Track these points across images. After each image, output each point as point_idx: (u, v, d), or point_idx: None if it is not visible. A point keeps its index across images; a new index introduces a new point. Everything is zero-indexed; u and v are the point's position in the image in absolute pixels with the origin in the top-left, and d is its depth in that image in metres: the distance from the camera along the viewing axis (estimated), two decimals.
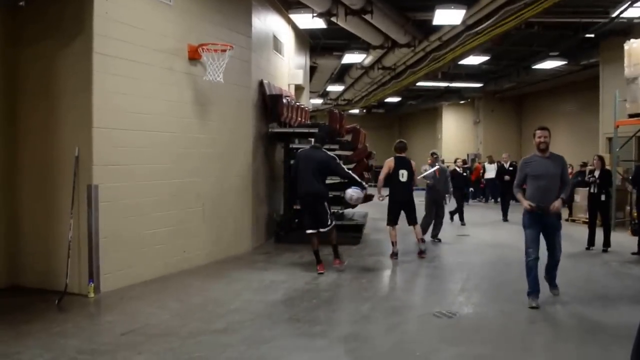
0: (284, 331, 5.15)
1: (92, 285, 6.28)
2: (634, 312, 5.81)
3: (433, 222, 10.49)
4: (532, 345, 4.90)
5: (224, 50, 7.63)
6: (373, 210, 12.73)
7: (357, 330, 5.29)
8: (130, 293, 6.45)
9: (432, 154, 11.10)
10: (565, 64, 17.15)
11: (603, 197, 9.60)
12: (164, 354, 4.52)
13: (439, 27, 12.80)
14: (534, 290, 5.96)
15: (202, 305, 6.05)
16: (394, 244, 8.70)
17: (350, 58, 16.62)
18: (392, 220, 8.65)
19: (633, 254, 9.14)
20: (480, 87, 23.08)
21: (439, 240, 10.59)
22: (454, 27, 12.48)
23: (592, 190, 9.71)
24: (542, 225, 6.03)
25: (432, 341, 4.96)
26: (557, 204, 5.98)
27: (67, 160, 6.36)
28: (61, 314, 5.65)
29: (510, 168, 14.57)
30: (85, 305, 6.03)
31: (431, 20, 11.95)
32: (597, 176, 9.65)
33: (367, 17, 11.34)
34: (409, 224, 8.86)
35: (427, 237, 10.07)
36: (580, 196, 13.93)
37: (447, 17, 11.50)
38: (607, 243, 9.56)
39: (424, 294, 6.60)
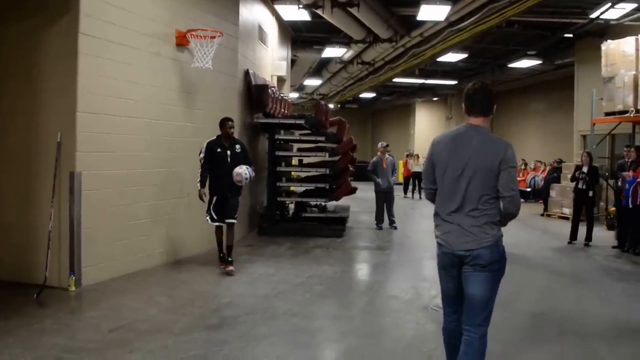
0: (281, 327, 4.98)
1: (73, 278, 5.98)
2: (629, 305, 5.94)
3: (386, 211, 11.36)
4: (538, 339, 4.84)
5: (213, 37, 7.39)
6: (354, 204, 12.67)
7: (358, 325, 5.17)
8: (113, 286, 6.18)
9: (386, 145, 11.61)
10: (540, 63, 17.41)
11: (591, 193, 9.82)
12: (158, 352, 4.29)
13: (421, 23, 12.79)
14: None
15: (191, 299, 5.82)
16: None
17: (330, 52, 16.48)
18: None
19: (613, 247, 9.44)
20: (455, 84, 23.28)
21: (395, 228, 11.23)
22: (436, 23, 12.47)
23: (580, 186, 9.89)
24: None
25: (437, 337, 4.86)
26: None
27: (48, 145, 6.03)
28: (41, 309, 5.33)
29: None
30: (66, 300, 5.73)
31: (415, 16, 11.91)
32: (585, 172, 9.82)
33: (353, 10, 11.21)
34: None
35: (385, 224, 11.28)
36: (556, 192, 14.21)
37: (432, 13, 11.45)
38: (589, 237, 9.82)
39: (419, 288, 6.52)
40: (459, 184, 3.21)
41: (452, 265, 3.29)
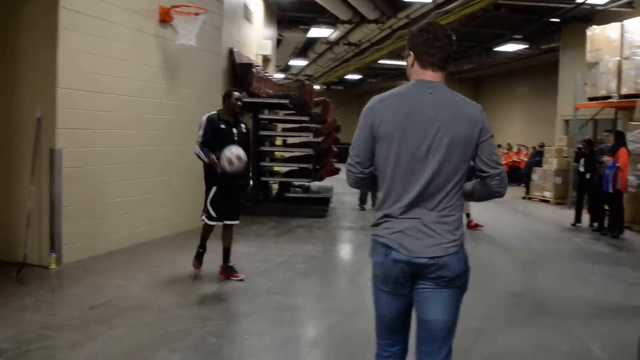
0: (263, 304, 5.00)
1: (54, 255, 5.92)
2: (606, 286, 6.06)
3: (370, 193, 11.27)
4: (516, 318, 4.94)
5: (197, 14, 7.29)
6: (337, 185, 12.72)
7: (339, 304, 5.21)
8: (94, 264, 6.13)
9: None
10: (526, 48, 17.47)
11: (588, 176, 10.09)
12: (139, 329, 4.28)
13: (408, 4, 12.75)
14: None
15: (173, 277, 5.81)
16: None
17: (316, 32, 16.38)
18: None
19: (593, 230, 9.74)
20: None
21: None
22: (423, 4, 12.44)
23: (581, 170, 10.21)
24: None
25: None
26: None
27: (27, 122, 5.91)
28: (21, 287, 5.27)
29: None
30: (47, 277, 5.68)
31: None
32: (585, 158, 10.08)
33: None
34: None
35: (368, 206, 11.12)
36: (538, 175, 14.37)
37: None
38: (578, 220, 10.35)
39: None
40: (426, 165, 2.25)
41: (403, 278, 2.30)
